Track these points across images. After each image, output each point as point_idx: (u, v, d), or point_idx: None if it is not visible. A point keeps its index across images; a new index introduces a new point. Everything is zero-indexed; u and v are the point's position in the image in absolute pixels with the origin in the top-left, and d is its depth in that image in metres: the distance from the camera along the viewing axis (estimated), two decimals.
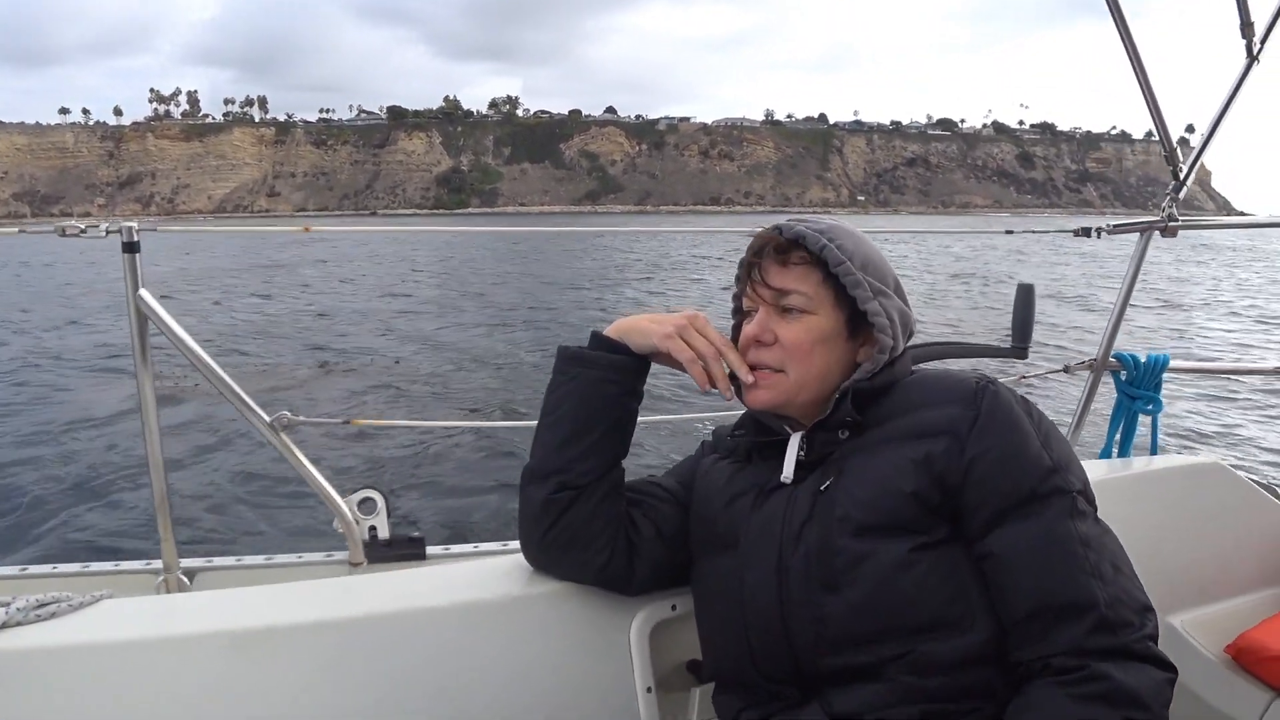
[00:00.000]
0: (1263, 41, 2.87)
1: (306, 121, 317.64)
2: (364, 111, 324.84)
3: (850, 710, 1.28)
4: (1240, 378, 10.94)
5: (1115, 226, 3.00)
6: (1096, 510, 1.34)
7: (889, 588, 1.28)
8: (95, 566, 2.45)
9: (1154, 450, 2.97)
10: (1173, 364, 3.01)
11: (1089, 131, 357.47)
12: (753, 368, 1.46)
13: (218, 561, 2.47)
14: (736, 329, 1.55)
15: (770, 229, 1.48)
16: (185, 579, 2.36)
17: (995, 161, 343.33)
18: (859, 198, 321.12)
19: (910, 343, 1.55)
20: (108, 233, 2.12)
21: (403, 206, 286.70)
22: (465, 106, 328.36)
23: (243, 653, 1.37)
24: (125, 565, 2.43)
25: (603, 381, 1.50)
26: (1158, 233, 2.95)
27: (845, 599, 1.30)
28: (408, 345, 15.47)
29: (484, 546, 2.59)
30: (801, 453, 1.45)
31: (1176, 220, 2.92)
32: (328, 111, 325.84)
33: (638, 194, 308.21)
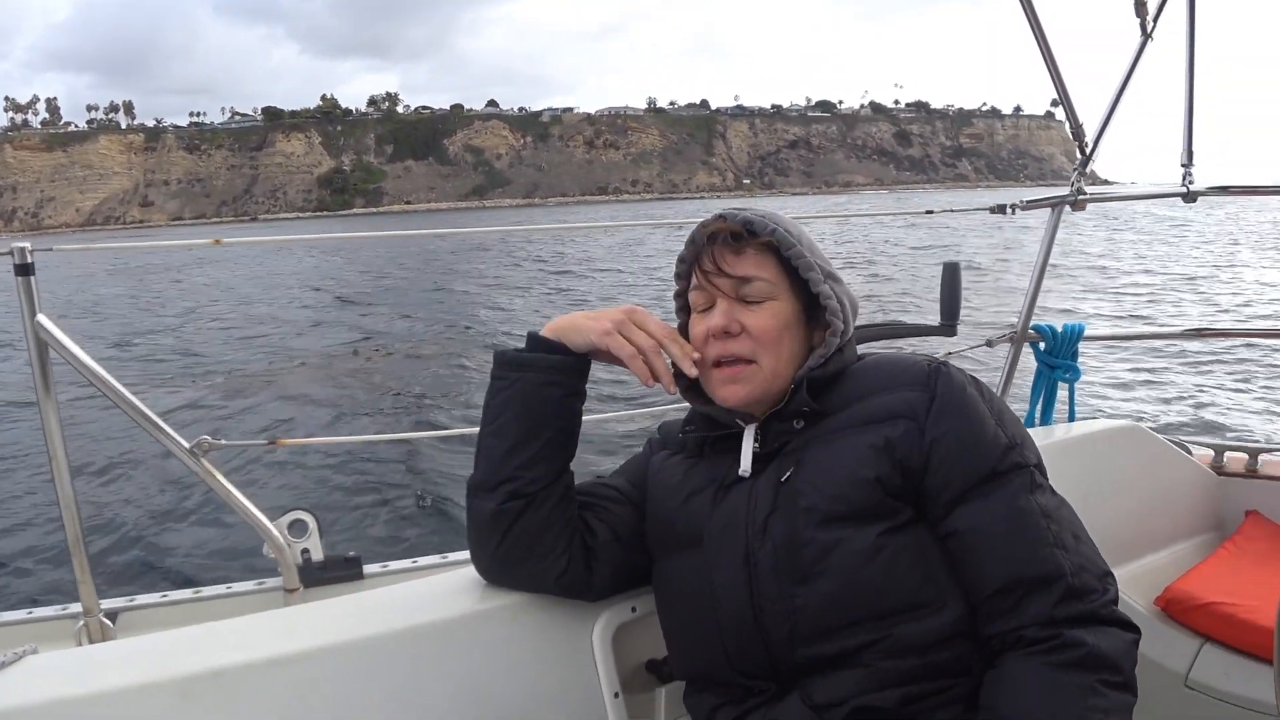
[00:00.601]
0: (1155, 20, 3.00)
1: (177, 126, 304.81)
2: (237, 114, 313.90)
3: (831, 699, 1.28)
4: (1152, 341, 11.57)
5: (1028, 202, 3.10)
6: (1049, 481, 1.37)
7: (860, 575, 1.29)
8: (6, 616, 2.29)
9: (1071, 416, 3.10)
10: (1088, 332, 3.13)
11: (961, 108, 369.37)
12: (722, 362, 1.44)
13: (141, 600, 2.34)
14: (683, 329, 1.53)
15: (713, 218, 1.47)
16: (108, 622, 2.21)
17: (874, 140, 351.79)
18: (745, 181, 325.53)
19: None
20: None
21: (284, 210, 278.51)
22: (343, 105, 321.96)
23: (192, 701, 1.29)
24: (38, 613, 2.28)
25: (544, 385, 1.46)
26: (1068, 207, 3.06)
27: (818, 590, 1.30)
28: (323, 356, 15.00)
29: (423, 560, 2.52)
30: (756, 445, 1.44)
31: (1085, 194, 3.03)
32: (199, 115, 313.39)
33: (525, 187, 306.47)
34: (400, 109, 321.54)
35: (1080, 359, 3.14)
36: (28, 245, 2.01)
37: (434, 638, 1.46)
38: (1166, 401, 9.85)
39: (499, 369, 1.49)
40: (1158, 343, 11.60)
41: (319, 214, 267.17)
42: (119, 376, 2.17)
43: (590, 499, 1.57)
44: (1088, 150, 3.08)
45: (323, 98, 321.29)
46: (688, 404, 1.58)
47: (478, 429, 1.51)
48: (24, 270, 2.01)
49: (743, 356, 1.42)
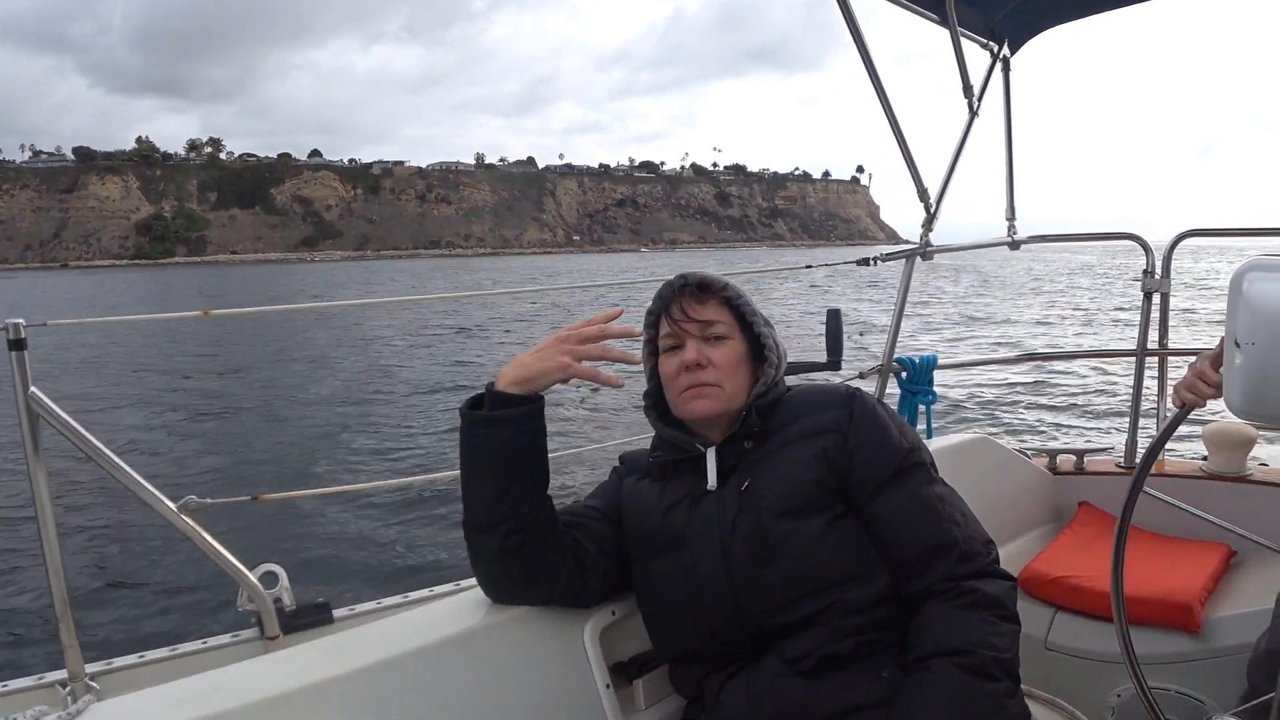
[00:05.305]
0: (979, 100, 3.52)
1: None
2: (43, 152, 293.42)
3: (800, 653, 1.58)
4: (991, 368, 13.27)
5: (888, 255, 3.57)
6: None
7: (812, 555, 1.60)
8: None
9: (929, 433, 3.50)
10: (940, 362, 3.57)
11: (776, 172, 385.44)
12: (691, 386, 1.69)
13: (118, 662, 2.27)
14: (655, 369, 1.79)
15: (676, 279, 1.76)
16: (94, 685, 2.18)
17: (697, 201, 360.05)
18: (574, 237, 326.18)
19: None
20: None
21: (99, 257, 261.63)
22: (159, 148, 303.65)
23: None
24: (14, 684, 2.19)
25: (517, 435, 1.59)
26: (919, 258, 3.50)
27: (781, 569, 1.60)
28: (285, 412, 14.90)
29: (386, 601, 2.56)
30: (716, 463, 1.73)
31: (931, 246, 3.47)
32: None
33: (356, 239, 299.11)
34: (224, 155, 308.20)
35: (935, 384, 3.55)
36: (21, 321, 2.04)
37: (448, 653, 1.61)
38: (1009, 415, 11.58)
39: (471, 429, 1.61)
40: (996, 367, 13.23)
41: (136, 261, 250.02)
42: (108, 442, 2.20)
43: (577, 519, 1.75)
44: (932, 210, 3.47)
45: (139, 140, 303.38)
46: (630, 439, 1.87)
47: (437, 475, 1.80)
48: (18, 345, 2.03)
49: (709, 383, 1.67)
